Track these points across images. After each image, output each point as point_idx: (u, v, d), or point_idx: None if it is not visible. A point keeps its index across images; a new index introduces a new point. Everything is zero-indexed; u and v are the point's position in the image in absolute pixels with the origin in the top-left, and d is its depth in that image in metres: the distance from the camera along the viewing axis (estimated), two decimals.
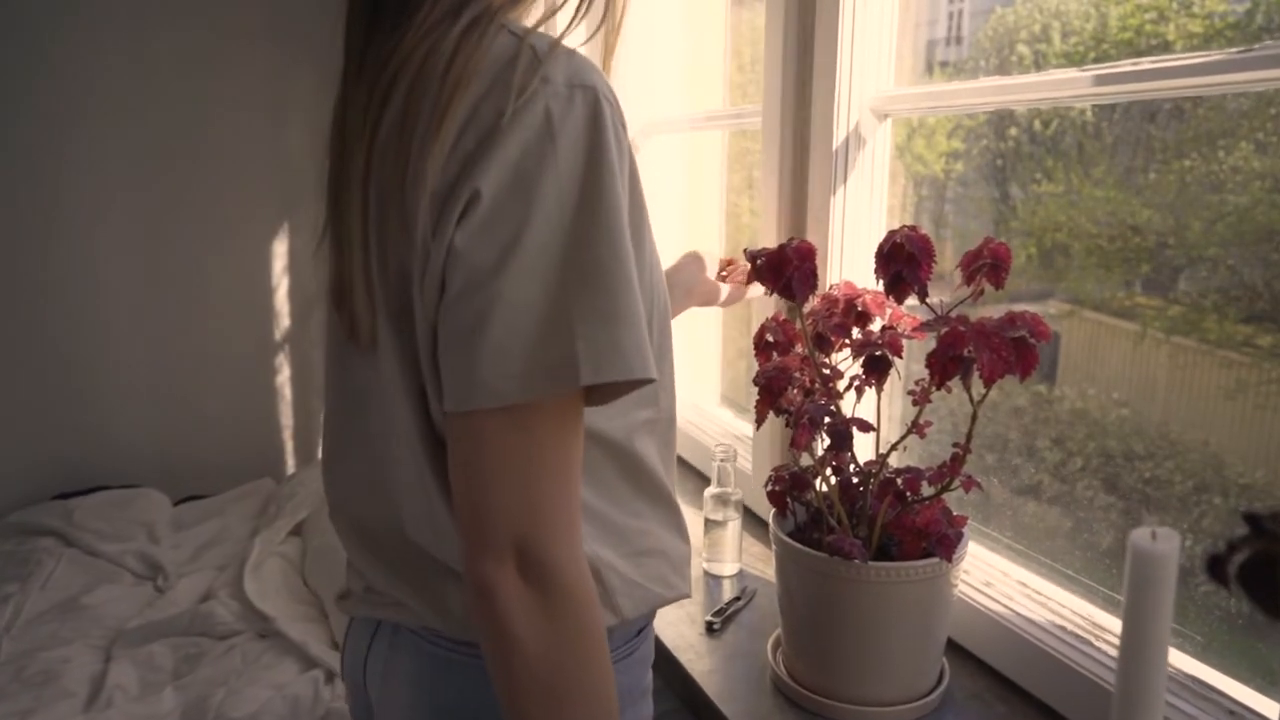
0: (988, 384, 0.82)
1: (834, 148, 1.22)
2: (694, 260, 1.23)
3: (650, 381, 0.66)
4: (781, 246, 0.94)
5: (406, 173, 0.66)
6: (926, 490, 0.93)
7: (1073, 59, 1.30)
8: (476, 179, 0.63)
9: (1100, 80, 0.93)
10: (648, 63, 1.68)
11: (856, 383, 0.97)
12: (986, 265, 0.89)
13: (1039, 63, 1.34)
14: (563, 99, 0.64)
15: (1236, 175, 0.95)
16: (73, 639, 1.72)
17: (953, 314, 0.86)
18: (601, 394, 0.67)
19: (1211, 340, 1.02)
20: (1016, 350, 0.81)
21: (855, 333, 0.99)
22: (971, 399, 0.86)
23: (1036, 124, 1.35)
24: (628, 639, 0.81)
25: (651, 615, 0.84)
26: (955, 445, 0.88)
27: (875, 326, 1.00)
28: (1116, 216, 1.17)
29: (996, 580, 1.07)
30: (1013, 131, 1.30)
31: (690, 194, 1.96)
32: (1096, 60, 1.25)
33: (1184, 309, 1.07)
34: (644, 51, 1.65)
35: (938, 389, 0.84)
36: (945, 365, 0.82)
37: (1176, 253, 1.09)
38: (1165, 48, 1.05)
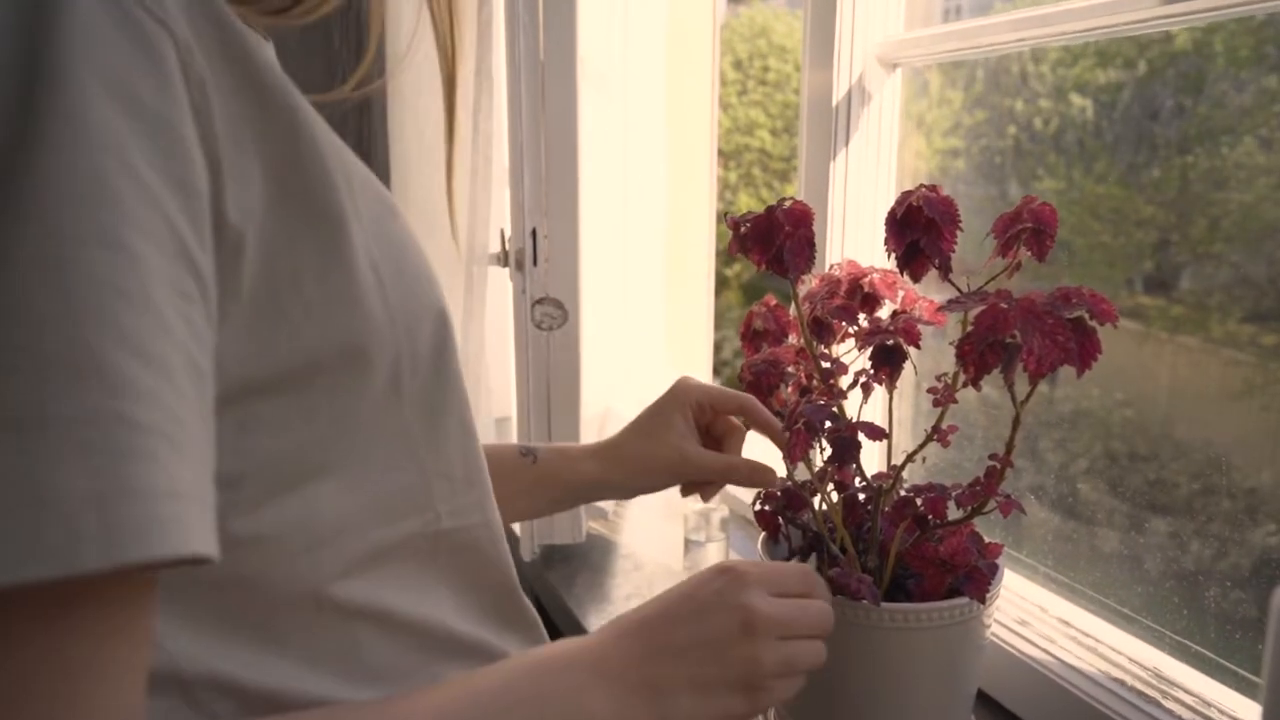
0: (1036, 377, 0.63)
1: (833, 104, 1.04)
2: (672, 408, 0.79)
3: (196, 562, 0.33)
4: (770, 209, 0.75)
5: None
6: (954, 513, 0.75)
7: (1072, 50, 1.28)
8: None
9: None
10: (627, 65, 1.48)
11: (863, 379, 0.79)
12: (1027, 230, 0.71)
13: (1036, 56, 1.30)
14: None
15: (1240, 171, 0.92)
16: None
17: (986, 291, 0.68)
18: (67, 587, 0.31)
19: (1216, 340, 0.98)
20: (1075, 334, 0.62)
21: (861, 319, 0.81)
22: (1014, 398, 0.67)
23: (1037, 122, 1.29)
24: None
25: None
26: (992, 458, 0.70)
27: (884, 313, 0.82)
28: (1119, 213, 1.12)
29: (1033, 618, 0.88)
30: (1011, 130, 1.25)
31: (674, 192, 1.77)
32: (1097, 51, 1.24)
33: (1187, 308, 1.03)
34: (623, 53, 1.46)
35: (972, 384, 0.66)
36: (983, 354, 0.63)
37: (1180, 250, 1.06)
38: (1169, 39, 1.02)
